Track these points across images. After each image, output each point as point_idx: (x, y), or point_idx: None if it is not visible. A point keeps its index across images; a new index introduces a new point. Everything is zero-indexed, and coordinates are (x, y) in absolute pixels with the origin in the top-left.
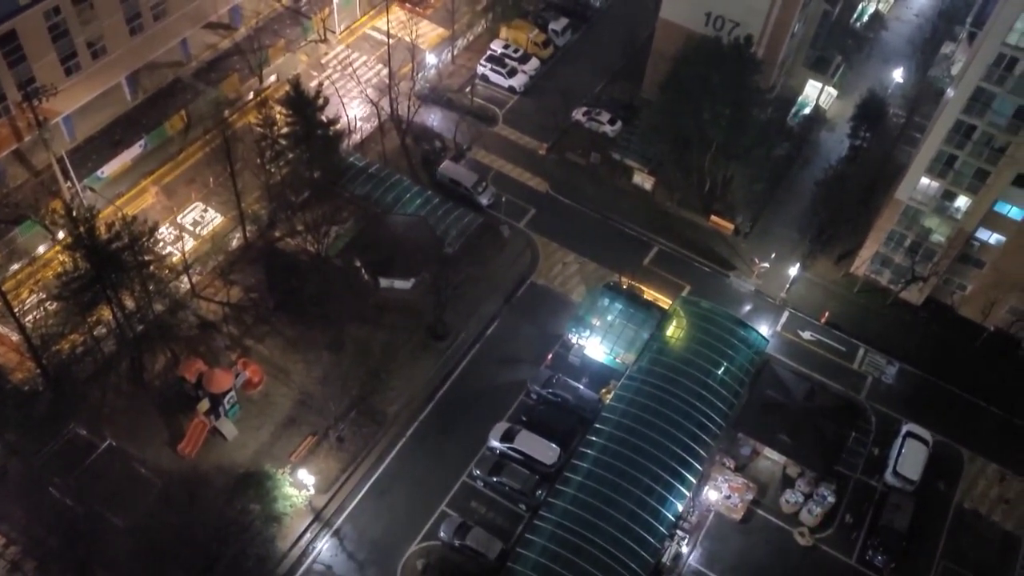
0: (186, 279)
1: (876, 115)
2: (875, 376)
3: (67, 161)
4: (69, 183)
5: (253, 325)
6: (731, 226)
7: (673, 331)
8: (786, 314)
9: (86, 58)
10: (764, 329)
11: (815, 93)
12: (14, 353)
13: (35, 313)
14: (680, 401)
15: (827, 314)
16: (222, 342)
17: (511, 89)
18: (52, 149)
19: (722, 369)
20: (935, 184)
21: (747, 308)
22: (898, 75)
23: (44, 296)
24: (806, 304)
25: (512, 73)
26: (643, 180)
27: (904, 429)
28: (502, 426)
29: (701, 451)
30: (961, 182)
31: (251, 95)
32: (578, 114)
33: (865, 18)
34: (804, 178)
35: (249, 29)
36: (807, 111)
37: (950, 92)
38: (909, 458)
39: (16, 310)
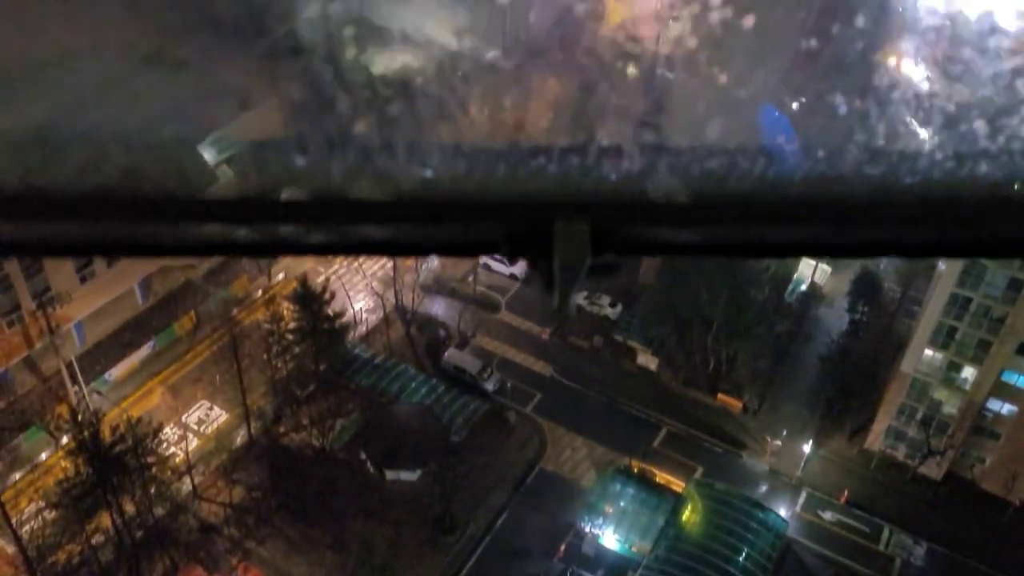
0: (188, 480)
1: (872, 290)
2: (903, 558)
3: (76, 366)
4: (76, 387)
5: (255, 526)
6: (739, 404)
7: (689, 516)
8: (804, 494)
9: (101, 266)
10: (782, 511)
11: (809, 271)
12: (8, 567)
13: (33, 523)
14: None
15: (847, 492)
16: (222, 546)
17: (512, 276)
18: (62, 355)
19: (743, 555)
20: (939, 356)
21: (763, 489)
22: None
23: (43, 504)
24: (823, 482)
25: (514, 261)
26: (647, 361)
27: None
28: None
29: None
30: (965, 353)
31: (259, 292)
32: (579, 299)
33: None
34: (807, 353)
35: None
36: (803, 288)
37: (942, 266)
38: None
39: (14, 520)
